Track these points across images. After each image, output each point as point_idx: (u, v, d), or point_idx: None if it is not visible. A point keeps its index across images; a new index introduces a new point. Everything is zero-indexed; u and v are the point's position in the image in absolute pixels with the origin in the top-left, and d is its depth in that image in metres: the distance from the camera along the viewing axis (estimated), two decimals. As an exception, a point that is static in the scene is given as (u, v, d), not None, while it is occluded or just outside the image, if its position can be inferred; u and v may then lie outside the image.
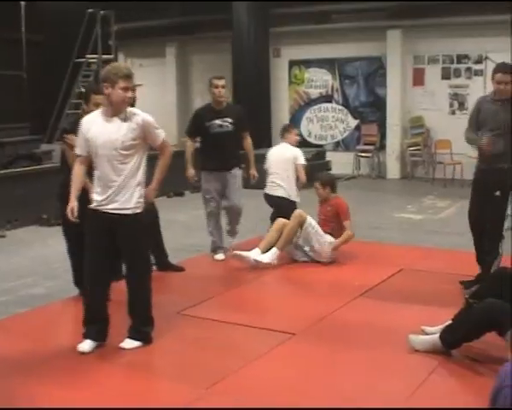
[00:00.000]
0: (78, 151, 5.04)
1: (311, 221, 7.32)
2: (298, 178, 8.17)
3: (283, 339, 5.18)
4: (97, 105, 5.44)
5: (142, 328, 5.09)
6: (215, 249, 7.59)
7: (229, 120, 7.38)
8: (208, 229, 7.61)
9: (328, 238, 7.35)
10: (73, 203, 4.93)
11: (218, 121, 7.34)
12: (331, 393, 4.26)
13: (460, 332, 4.63)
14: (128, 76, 4.86)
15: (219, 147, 7.28)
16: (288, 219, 7.34)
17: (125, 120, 4.87)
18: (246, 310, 6.03)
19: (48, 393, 4.25)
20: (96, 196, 4.94)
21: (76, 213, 4.91)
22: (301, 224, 7.26)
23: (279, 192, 8.09)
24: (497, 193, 6.10)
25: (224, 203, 7.61)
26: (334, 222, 7.44)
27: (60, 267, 7.01)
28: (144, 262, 5.17)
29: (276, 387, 4.35)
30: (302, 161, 8.23)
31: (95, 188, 4.98)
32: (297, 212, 7.41)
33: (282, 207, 7.95)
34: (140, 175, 4.96)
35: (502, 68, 6.10)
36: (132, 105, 6.42)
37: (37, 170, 11.45)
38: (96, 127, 4.89)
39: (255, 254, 7.16)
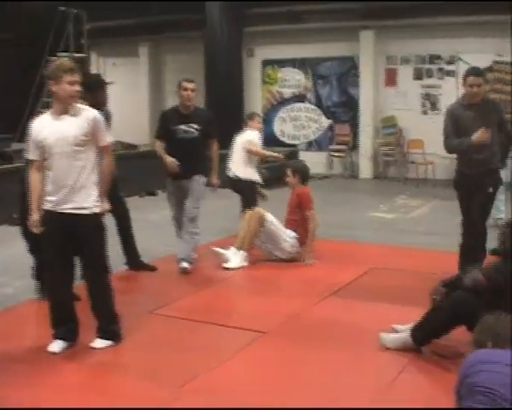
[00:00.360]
0: (30, 156, 4.92)
1: (272, 219, 7.38)
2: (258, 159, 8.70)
3: (255, 338, 5.19)
4: None
5: (108, 327, 5.07)
6: (178, 260, 7.16)
7: (196, 125, 7.07)
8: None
9: (292, 234, 7.40)
10: (35, 216, 4.85)
11: (183, 127, 7.06)
12: (302, 392, 4.27)
13: (429, 328, 4.69)
14: (72, 69, 4.78)
15: (183, 153, 6.97)
16: (251, 200, 7.47)
17: (75, 115, 4.81)
18: (217, 309, 6.02)
19: (17, 393, 4.21)
20: (50, 197, 4.86)
21: (39, 226, 4.86)
22: (261, 222, 7.31)
23: (231, 173, 8.44)
24: (490, 189, 6.29)
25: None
26: (297, 213, 7.50)
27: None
28: (102, 261, 5.09)
29: (249, 386, 4.37)
30: (254, 143, 8.43)
31: (48, 190, 4.88)
32: (256, 210, 7.49)
33: (241, 191, 8.39)
34: (96, 175, 4.91)
35: (474, 72, 6.23)
36: (104, 104, 6.43)
37: (8, 169, 11.30)
38: (48, 127, 4.81)
39: (228, 257, 7.23)
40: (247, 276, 7.10)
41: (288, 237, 7.40)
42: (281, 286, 6.83)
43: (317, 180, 14.10)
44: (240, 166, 8.42)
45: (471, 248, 6.27)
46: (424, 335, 4.73)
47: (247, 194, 8.35)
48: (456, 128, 6.25)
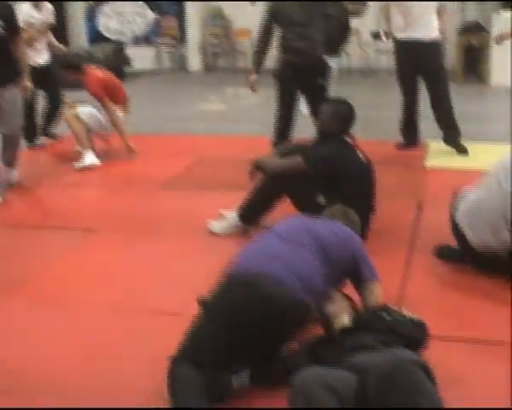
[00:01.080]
0: None
1: (85, 110, 7.24)
2: None
3: (84, 236, 5.15)
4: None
5: None
6: None
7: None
8: None
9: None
10: None
11: None
12: (132, 283, 4.30)
13: (254, 207, 4.87)
14: None
15: None
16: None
17: None
18: (43, 212, 5.89)
19: None
20: None
21: None
22: (77, 117, 7.17)
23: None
24: (319, 81, 6.49)
25: None
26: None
27: None
28: None
29: (79, 283, 4.34)
30: None
31: None
32: (70, 112, 7.31)
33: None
34: None
35: None
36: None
37: None
38: None
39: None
40: (76, 177, 6.94)
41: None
42: (109, 182, 6.77)
43: (146, 76, 13.87)
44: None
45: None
46: (250, 211, 4.94)
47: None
48: (275, 18, 6.35)
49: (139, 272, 4.49)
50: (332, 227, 3.50)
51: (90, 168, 7.00)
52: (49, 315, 3.95)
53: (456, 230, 4.28)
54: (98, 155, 7.17)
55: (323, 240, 3.32)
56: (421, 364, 2.44)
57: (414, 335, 3.04)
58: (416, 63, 6.93)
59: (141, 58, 14.62)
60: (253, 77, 6.67)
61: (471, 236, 4.12)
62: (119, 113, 7.31)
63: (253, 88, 6.73)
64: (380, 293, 3.44)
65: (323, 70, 6.58)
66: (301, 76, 6.40)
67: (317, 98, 6.24)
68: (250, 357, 3.05)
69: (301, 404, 2.46)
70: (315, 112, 6.22)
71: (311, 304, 3.07)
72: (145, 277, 4.40)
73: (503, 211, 3.92)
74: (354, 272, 3.42)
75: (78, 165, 7.04)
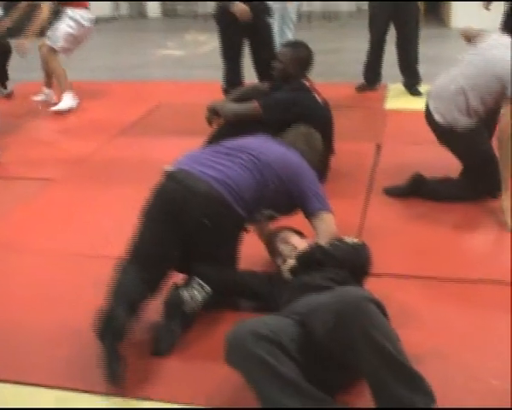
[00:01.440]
0: None
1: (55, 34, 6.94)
2: None
3: (42, 186, 5.07)
4: None
5: None
6: None
7: None
8: None
9: None
10: None
11: None
12: (87, 231, 4.27)
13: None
14: None
15: None
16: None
17: None
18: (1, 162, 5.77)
19: None
20: None
21: None
22: (53, 52, 6.94)
23: None
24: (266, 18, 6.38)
25: None
26: None
27: None
28: None
29: (39, 234, 4.28)
30: None
31: None
32: (42, 45, 7.05)
33: None
34: None
35: None
36: None
37: None
38: None
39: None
40: (37, 123, 6.79)
41: None
42: (66, 129, 6.61)
43: (104, 23, 13.57)
44: None
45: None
46: None
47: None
48: None
49: (94, 219, 4.44)
50: (283, 153, 3.46)
51: (67, 112, 6.91)
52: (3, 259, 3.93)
53: (427, 114, 4.45)
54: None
55: (266, 162, 3.30)
56: (372, 299, 2.43)
57: (349, 258, 3.03)
58: (393, 8, 6.88)
59: (97, 5, 14.22)
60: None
61: (436, 116, 4.33)
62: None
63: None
64: (331, 223, 3.37)
65: (265, 10, 6.34)
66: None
67: (263, 42, 6.15)
68: (193, 255, 3.14)
69: (236, 362, 2.45)
70: (260, 58, 6.13)
71: (232, 204, 3.11)
72: (100, 224, 4.36)
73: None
74: (302, 201, 3.38)
75: (55, 108, 6.91)
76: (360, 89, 7.34)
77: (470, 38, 4.52)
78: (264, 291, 3.15)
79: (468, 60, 4.34)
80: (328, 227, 3.35)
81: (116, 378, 2.70)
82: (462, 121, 4.22)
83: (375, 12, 7.11)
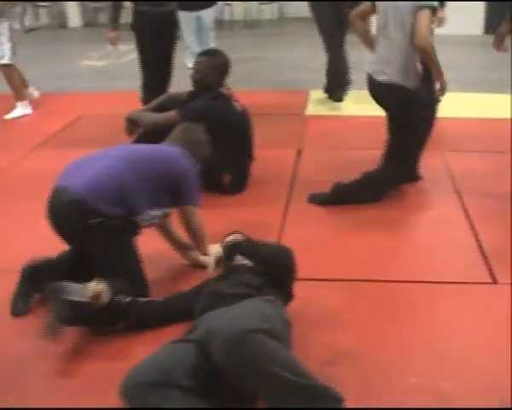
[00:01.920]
0: None
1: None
2: None
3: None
4: None
5: None
6: None
7: None
8: None
9: None
10: None
11: None
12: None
13: None
14: None
15: None
16: None
17: None
18: None
19: None
20: None
21: None
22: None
23: None
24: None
25: None
26: None
27: None
28: None
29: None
30: None
31: None
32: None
33: None
34: None
35: None
36: None
37: None
38: None
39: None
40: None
41: None
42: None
43: (24, 34, 13.29)
44: None
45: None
46: None
47: None
48: None
49: (26, 235, 4.30)
50: (158, 150, 3.62)
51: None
52: None
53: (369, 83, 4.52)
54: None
55: (139, 159, 3.47)
56: (260, 329, 2.36)
57: (273, 255, 3.09)
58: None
59: (16, 15, 13.97)
60: (113, 34, 6.64)
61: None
62: None
63: (114, 44, 6.68)
64: (198, 219, 3.52)
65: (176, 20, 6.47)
66: (158, 26, 6.26)
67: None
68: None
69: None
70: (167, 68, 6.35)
71: (99, 203, 3.19)
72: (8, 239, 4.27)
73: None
74: (175, 195, 3.47)
75: (9, 116, 7.01)
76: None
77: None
78: (190, 307, 3.08)
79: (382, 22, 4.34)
80: (193, 224, 3.53)
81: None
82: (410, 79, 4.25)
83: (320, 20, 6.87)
